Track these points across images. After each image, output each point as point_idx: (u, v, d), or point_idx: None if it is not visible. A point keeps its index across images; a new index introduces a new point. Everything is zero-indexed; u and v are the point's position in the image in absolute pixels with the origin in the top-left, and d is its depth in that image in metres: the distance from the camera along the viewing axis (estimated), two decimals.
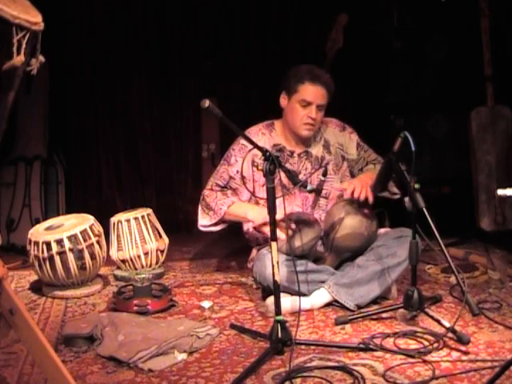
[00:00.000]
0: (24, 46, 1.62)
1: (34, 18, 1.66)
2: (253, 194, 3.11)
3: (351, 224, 2.99)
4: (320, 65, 4.00)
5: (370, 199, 2.96)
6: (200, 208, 3.23)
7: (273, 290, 2.52)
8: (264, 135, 3.20)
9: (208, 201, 3.18)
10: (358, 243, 3.01)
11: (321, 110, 3.10)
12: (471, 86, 4.08)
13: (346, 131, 3.30)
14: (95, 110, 4.55)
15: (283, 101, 3.16)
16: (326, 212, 3.13)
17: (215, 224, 3.18)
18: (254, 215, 3.00)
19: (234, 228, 3.33)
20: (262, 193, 3.12)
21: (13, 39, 1.59)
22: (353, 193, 2.94)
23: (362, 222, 2.99)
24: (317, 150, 3.23)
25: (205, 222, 3.20)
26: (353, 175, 3.28)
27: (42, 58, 1.74)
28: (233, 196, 3.19)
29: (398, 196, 3.15)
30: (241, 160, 3.12)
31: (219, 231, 3.26)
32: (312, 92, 3.06)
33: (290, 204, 3.13)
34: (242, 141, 3.19)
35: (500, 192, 3.78)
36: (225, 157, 3.26)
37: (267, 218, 2.52)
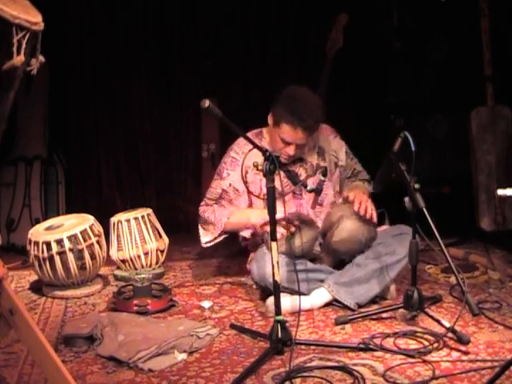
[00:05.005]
0: (24, 45, 1.62)
1: (34, 18, 1.66)
2: (249, 191, 3.09)
3: (349, 228, 2.96)
4: (320, 64, 4.04)
5: (375, 219, 2.94)
6: (199, 226, 3.22)
7: (273, 289, 2.52)
8: None
9: (206, 216, 3.18)
10: (354, 248, 2.99)
11: (301, 147, 3.05)
12: (471, 85, 4.08)
13: (337, 138, 3.30)
14: (95, 110, 4.55)
15: (270, 119, 3.09)
16: (327, 212, 3.11)
17: (218, 237, 3.17)
18: (256, 218, 3.00)
19: None
20: (258, 203, 3.12)
21: (13, 39, 1.59)
22: (359, 208, 2.92)
23: (361, 228, 2.96)
24: (311, 158, 3.21)
25: (207, 238, 3.19)
26: (341, 182, 3.29)
27: (41, 58, 1.74)
28: (230, 206, 3.18)
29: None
30: (233, 173, 3.13)
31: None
32: (291, 135, 2.98)
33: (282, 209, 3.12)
34: (233, 153, 3.20)
35: (500, 192, 3.77)
36: (217, 171, 3.25)
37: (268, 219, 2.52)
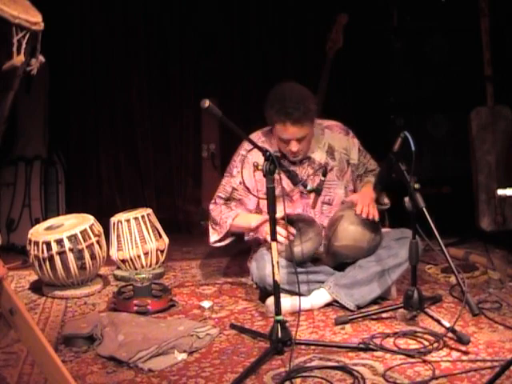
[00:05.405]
0: (24, 45, 1.62)
1: (34, 18, 1.66)
2: (257, 197, 3.08)
3: (353, 235, 2.94)
4: (320, 64, 4.04)
5: (376, 217, 2.93)
6: (209, 224, 3.23)
7: (273, 289, 2.52)
8: (264, 143, 3.11)
9: (213, 215, 3.18)
10: (356, 255, 2.98)
11: (303, 140, 3.01)
12: (471, 85, 4.08)
13: (349, 135, 3.26)
14: (95, 110, 4.55)
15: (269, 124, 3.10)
16: (333, 215, 3.10)
17: (224, 238, 3.17)
18: (256, 223, 2.99)
19: None
20: (265, 203, 3.11)
21: (13, 39, 1.59)
22: (361, 211, 2.91)
23: (365, 235, 2.94)
24: (320, 156, 3.17)
25: (215, 237, 3.19)
26: (353, 180, 3.27)
27: (42, 58, 1.74)
28: (238, 207, 3.17)
29: (387, 206, 3.15)
30: (243, 170, 3.12)
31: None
32: (285, 132, 2.97)
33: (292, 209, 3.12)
34: (242, 151, 3.17)
35: (500, 192, 3.77)
36: (227, 169, 3.24)
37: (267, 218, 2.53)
